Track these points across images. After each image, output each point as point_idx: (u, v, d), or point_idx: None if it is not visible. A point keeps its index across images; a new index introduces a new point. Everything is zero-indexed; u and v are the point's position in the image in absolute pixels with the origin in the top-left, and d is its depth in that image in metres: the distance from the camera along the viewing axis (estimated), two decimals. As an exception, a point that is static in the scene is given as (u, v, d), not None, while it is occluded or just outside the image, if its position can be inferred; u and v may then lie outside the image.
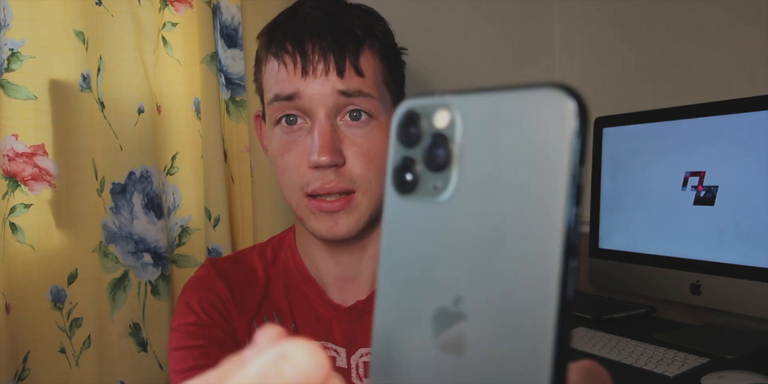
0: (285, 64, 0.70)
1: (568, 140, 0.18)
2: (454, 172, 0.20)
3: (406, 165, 0.22)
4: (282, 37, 0.71)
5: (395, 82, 0.77)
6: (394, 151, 0.22)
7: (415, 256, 0.21)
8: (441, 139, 0.21)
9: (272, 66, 0.72)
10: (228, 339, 0.74)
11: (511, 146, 0.19)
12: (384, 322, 0.21)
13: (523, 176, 0.19)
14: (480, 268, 0.19)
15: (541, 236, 0.18)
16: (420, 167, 0.21)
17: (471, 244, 0.20)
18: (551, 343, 0.17)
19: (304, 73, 0.69)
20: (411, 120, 0.22)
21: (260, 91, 0.77)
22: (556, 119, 0.18)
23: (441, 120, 0.21)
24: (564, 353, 0.18)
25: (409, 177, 0.22)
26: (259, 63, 0.77)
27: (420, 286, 0.21)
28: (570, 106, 0.18)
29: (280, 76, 0.71)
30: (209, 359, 0.71)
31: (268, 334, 0.21)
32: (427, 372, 0.20)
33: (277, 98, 0.71)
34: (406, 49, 0.81)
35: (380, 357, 0.21)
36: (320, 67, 0.69)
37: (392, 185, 0.22)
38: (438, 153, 0.21)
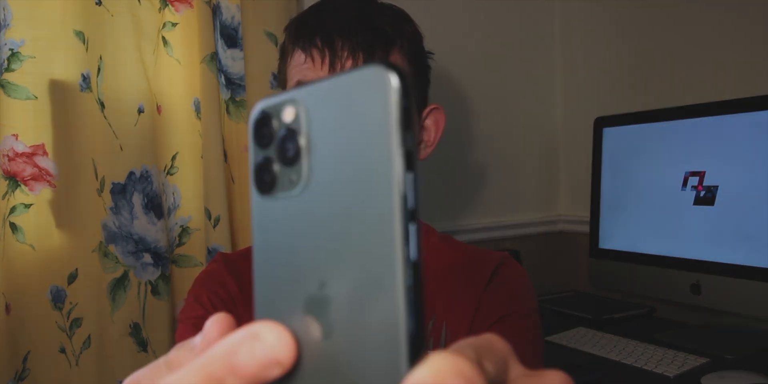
0: (312, 59, 0.70)
1: (392, 108, 0.19)
2: (305, 164, 0.21)
3: (264, 165, 0.22)
4: (312, 32, 0.70)
5: (420, 85, 0.77)
6: (253, 154, 0.23)
7: (280, 252, 0.22)
8: (290, 134, 0.21)
9: (299, 58, 0.72)
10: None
11: (348, 127, 0.20)
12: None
13: (361, 152, 0.19)
14: (337, 249, 0.20)
15: (382, 205, 0.19)
16: (276, 165, 0.22)
17: (326, 228, 0.20)
18: (404, 304, 0.18)
19: (332, 68, 0.69)
20: (264, 120, 0.22)
21: (283, 83, 0.77)
22: (378, 91, 0.19)
23: (288, 115, 0.21)
24: (419, 314, 0.18)
25: (267, 177, 0.22)
26: (284, 55, 0.76)
27: (288, 280, 0.21)
28: (388, 76, 0.19)
29: (305, 70, 0.71)
30: None
31: (214, 319, 0.21)
32: (306, 362, 0.20)
33: (300, 84, 0.70)
34: (434, 53, 0.80)
35: None
36: (349, 64, 0.68)
37: (254, 187, 0.23)
38: (288, 147, 0.21)
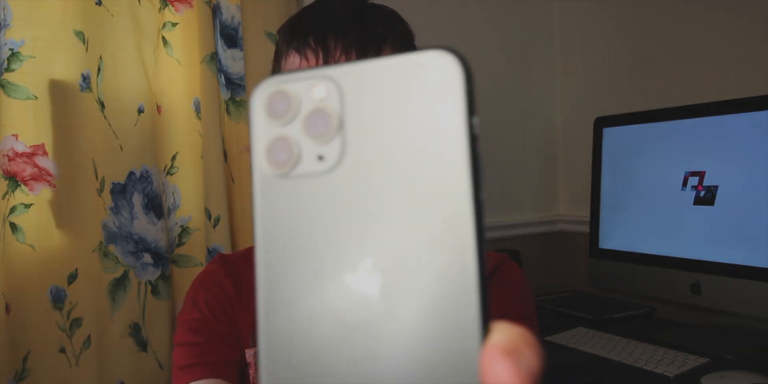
0: (307, 59, 0.71)
1: (460, 92, 0.19)
2: (337, 141, 0.20)
3: (280, 143, 0.21)
4: (305, 33, 0.71)
5: None
6: (263, 131, 0.21)
7: (302, 234, 0.21)
8: (320, 110, 0.21)
9: (293, 60, 0.72)
10: (231, 337, 0.74)
11: (399, 107, 0.20)
12: (276, 313, 0.21)
13: (421, 134, 0.20)
14: (388, 227, 0.20)
15: (452, 189, 0.19)
16: (299, 143, 0.21)
17: (372, 205, 0.20)
18: (476, 276, 0.19)
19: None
20: (280, 96, 0.21)
21: None
22: (443, 75, 0.19)
23: (318, 92, 0.21)
24: (485, 290, 0.19)
25: (284, 155, 0.21)
26: (278, 57, 0.77)
27: (315, 263, 0.20)
28: (455, 61, 0.19)
29: (300, 67, 0.71)
30: (210, 356, 0.71)
31: None
32: (339, 348, 0.20)
33: None
34: None
35: (273, 346, 0.21)
36: (342, 61, 0.69)
37: (267, 167, 0.21)
38: (319, 123, 0.21)
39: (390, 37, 0.73)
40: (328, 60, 0.70)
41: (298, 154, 0.21)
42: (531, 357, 0.18)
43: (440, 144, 0.19)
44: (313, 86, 0.21)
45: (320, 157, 0.21)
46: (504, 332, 0.18)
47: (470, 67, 0.20)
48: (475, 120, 0.20)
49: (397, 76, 0.20)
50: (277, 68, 0.78)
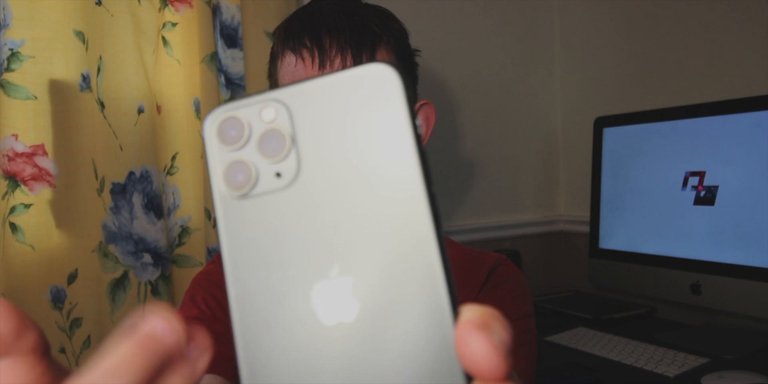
0: (303, 59, 0.71)
1: (399, 98, 0.21)
2: (292, 157, 0.22)
3: (237, 165, 0.22)
4: (300, 32, 0.72)
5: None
6: (218, 156, 0.23)
7: (265, 249, 0.22)
8: (272, 131, 0.22)
9: (289, 61, 0.73)
10: (228, 335, 0.74)
11: (344, 119, 0.21)
12: (252, 325, 0.22)
13: (368, 140, 0.21)
14: (351, 232, 0.21)
15: (404, 186, 0.20)
16: (255, 164, 0.22)
17: (333, 212, 0.21)
18: (440, 264, 0.20)
19: (321, 66, 0.70)
20: (230, 123, 0.23)
21: (275, 86, 0.78)
22: (381, 85, 0.21)
23: (267, 114, 0.22)
24: (450, 275, 0.20)
25: (242, 176, 0.22)
26: (274, 59, 0.77)
27: (285, 275, 0.21)
28: (389, 72, 0.21)
29: (297, 71, 0.71)
30: None
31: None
32: (323, 351, 0.20)
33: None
34: (420, 51, 0.82)
35: (253, 362, 0.21)
36: (337, 61, 0.70)
37: (226, 190, 0.22)
38: (272, 143, 0.22)
39: (385, 35, 0.73)
40: (324, 59, 0.70)
41: (255, 175, 0.22)
42: (501, 330, 0.19)
43: (389, 147, 0.21)
44: (262, 109, 0.22)
45: (278, 174, 0.22)
46: (472, 310, 0.19)
47: (405, 75, 0.21)
48: (418, 121, 0.21)
49: (340, 90, 0.22)
50: (273, 69, 0.78)
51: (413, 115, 0.21)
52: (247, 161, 0.22)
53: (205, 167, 1.15)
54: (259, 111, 0.22)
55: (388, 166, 0.21)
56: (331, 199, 0.21)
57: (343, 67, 0.70)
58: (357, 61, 0.70)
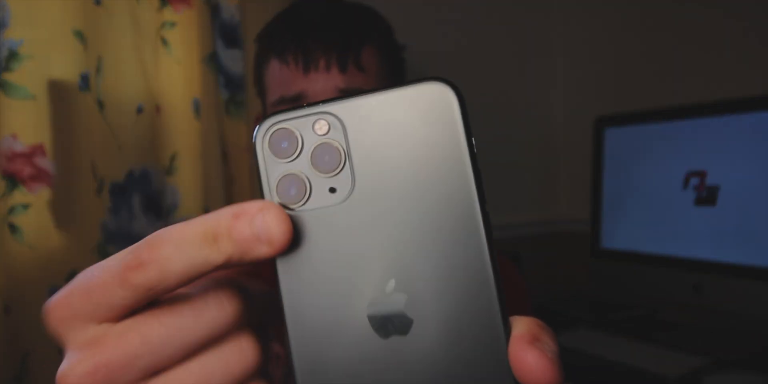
0: (287, 63, 0.70)
1: (458, 116, 0.21)
2: (347, 172, 0.22)
3: (290, 178, 0.22)
4: (283, 36, 0.71)
5: (396, 78, 0.77)
6: (270, 169, 0.22)
7: (323, 263, 0.22)
8: (326, 145, 0.22)
9: (275, 66, 0.72)
10: None
11: (401, 135, 0.22)
12: (307, 339, 0.22)
13: (424, 157, 0.21)
14: (406, 246, 0.21)
15: (462, 204, 0.21)
16: (308, 178, 0.22)
17: (387, 228, 0.21)
18: (493, 281, 0.21)
19: (307, 69, 0.69)
20: (282, 134, 0.22)
21: (262, 93, 0.77)
22: (441, 103, 0.21)
23: (321, 128, 0.22)
24: (501, 290, 0.21)
25: (295, 190, 0.22)
26: (260, 64, 0.77)
27: (340, 289, 0.22)
28: (448, 90, 0.21)
29: (283, 76, 0.71)
30: None
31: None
32: (373, 365, 0.21)
33: (283, 100, 0.71)
34: (407, 46, 0.81)
35: (308, 375, 0.22)
36: (322, 62, 0.69)
37: (277, 202, 0.22)
38: (326, 158, 0.22)
39: (369, 34, 0.73)
40: (308, 60, 0.69)
41: (309, 188, 0.22)
42: (550, 340, 0.21)
43: (446, 165, 0.21)
44: (315, 122, 0.22)
45: (332, 190, 0.22)
46: (522, 324, 0.20)
47: (462, 93, 0.22)
48: (473, 140, 0.22)
49: (396, 106, 0.22)
50: (258, 75, 0.77)
51: (470, 133, 0.21)
52: (299, 174, 0.22)
53: (204, 167, 1.15)
54: (312, 123, 0.22)
55: (444, 185, 0.21)
56: (386, 216, 0.21)
57: (329, 67, 0.69)
58: (342, 63, 0.69)
